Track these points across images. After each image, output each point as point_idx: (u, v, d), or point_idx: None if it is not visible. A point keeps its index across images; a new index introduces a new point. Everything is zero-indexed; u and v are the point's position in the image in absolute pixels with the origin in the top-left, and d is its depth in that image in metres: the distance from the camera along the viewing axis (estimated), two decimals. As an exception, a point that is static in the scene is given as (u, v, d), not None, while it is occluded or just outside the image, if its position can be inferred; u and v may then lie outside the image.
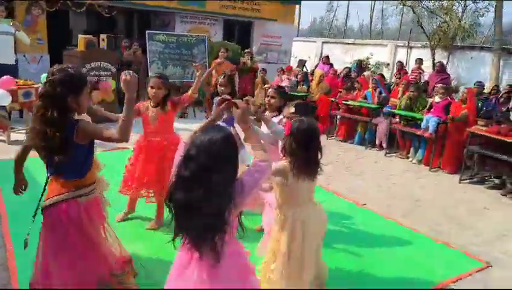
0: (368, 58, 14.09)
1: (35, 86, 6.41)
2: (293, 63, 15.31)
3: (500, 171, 5.82)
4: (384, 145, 7.59)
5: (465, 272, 3.54)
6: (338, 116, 8.42)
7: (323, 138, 8.13)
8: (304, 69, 11.82)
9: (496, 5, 11.52)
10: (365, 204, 4.96)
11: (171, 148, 3.69)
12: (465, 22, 12.03)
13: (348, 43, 15.61)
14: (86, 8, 9.33)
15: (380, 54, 14.09)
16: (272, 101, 3.66)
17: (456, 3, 12.34)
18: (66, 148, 2.01)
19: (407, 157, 7.18)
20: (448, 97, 6.78)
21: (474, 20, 12.47)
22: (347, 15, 23.38)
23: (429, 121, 6.50)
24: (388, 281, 3.30)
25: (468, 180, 6.17)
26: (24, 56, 9.19)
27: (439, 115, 6.52)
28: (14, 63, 7.01)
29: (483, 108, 6.77)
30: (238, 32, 12.84)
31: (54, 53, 9.30)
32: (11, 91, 5.90)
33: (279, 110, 3.64)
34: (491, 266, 3.68)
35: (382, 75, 8.77)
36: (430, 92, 8.38)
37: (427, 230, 4.33)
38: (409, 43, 13.44)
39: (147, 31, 9.01)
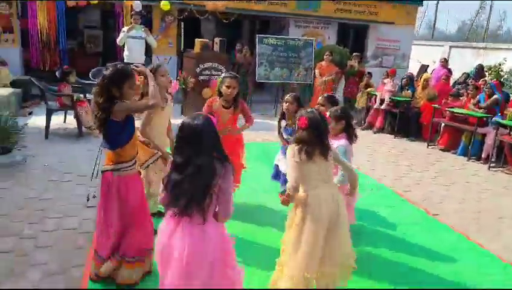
0: (500, 64, 12.68)
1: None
2: (417, 68, 14.60)
3: None
4: (492, 158, 6.94)
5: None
6: (442, 124, 7.94)
7: (423, 146, 7.87)
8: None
9: None
10: (437, 214, 4.75)
11: (238, 144, 4.18)
12: None
13: (479, 48, 14.19)
14: (208, 15, 10.45)
15: (515, 59, 12.59)
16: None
17: None
18: (103, 125, 2.64)
19: (516, 174, 6.48)
20: None
21: None
22: (489, 17, 21.02)
23: (540, 134, 5.80)
24: None
25: None
26: (157, 58, 10.73)
27: (554, 128, 5.76)
28: (144, 63, 8.31)
29: None
30: (353, 35, 12.79)
31: (182, 55, 10.65)
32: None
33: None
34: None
35: (501, 82, 7.94)
36: None
37: (499, 248, 4.01)
38: (552, 46, 11.70)
39: (257, 35, 9.73)
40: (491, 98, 7.22)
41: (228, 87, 3.87)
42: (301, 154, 2.63)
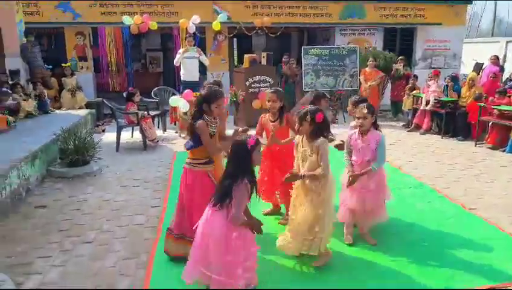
0: None
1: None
2: (472, 67, 14.28)
3: None
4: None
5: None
6: (490, 123, 7.91)
7: (471, 145, 7.88)
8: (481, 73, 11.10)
9: None
10: (474, 208, 4.94)
11: (290, 156, 4.23)
12: None
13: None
14: (257, 31, 11.15)
15: None
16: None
17: None
18: (190, 131, 3.42)
19: None
20: None
21: None
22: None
23: None
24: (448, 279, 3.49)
25: None
26: (212, 74, 11.61)
27: None
28: (198, 80, 9.16)
29: None
30: (400, 38, 12.86)
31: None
32: (190, 102, 7.88)
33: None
34: None
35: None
36: None
37: (530, 238, 4.17)
38: None
39: (302, 47, 10.26)
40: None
41: (268, 101, 4.25)
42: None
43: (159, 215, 4.62)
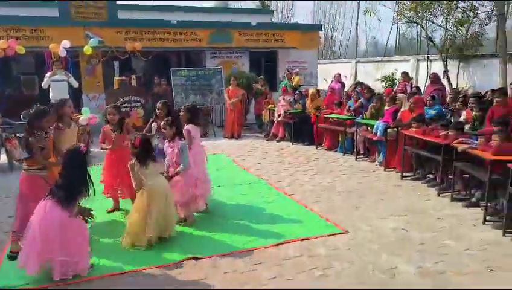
0: (393, 74, 14.80)
1: (77, 117, 8.79)
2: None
3: (428, 167, 6.65)
4: (361, 151, 8.60)
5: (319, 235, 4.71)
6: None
7: (313, 148, 9.45)
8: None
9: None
10: (293, 194, 6.23)
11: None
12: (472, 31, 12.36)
13: (377, 61, 16.41)
14: (128, 55, 11.81)
15: (404, 69, 14.73)
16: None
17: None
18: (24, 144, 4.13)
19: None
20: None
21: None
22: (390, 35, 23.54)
23: (378, 126, 7.50)
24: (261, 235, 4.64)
25: (410, 177, 7.00)
26: (87, 96, 11.95)
27: (387, 121, 7.49)
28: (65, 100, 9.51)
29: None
30: (265, 60, 14.51)
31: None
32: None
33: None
34: (348, 232, 4.78)
35: (368, 88, 9.73)
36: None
37: (323, 210, 5.47)
38: (428, 56, 13.94)
39: (171, 69, 11.20)
40: (357, 103, 8.95)
41: (109, 114, 5.26)
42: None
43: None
